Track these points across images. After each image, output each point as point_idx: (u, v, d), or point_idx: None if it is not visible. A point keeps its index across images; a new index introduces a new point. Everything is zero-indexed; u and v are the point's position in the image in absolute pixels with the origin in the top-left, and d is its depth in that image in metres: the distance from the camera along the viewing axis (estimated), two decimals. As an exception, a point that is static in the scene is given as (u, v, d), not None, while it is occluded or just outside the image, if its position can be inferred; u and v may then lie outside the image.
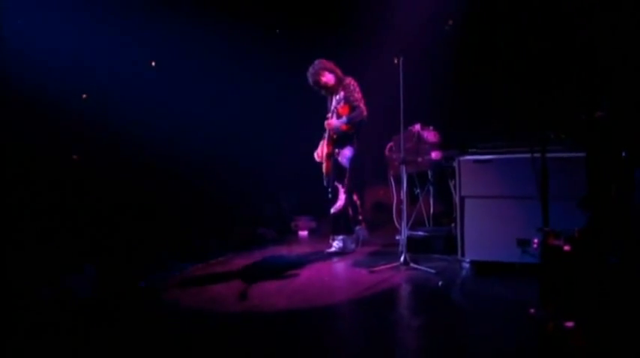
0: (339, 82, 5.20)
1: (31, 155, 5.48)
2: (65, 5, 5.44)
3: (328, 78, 5.20)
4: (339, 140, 5.22)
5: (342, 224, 5.26)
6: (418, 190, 5.41)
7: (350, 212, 5.29)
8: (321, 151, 5.39)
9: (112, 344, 3.00)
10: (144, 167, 6.32)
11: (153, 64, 6.56)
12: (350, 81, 5.16)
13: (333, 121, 5.16)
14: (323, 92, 5.35)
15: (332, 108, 5.20)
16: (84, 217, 5.73)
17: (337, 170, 5.24)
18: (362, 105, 5.08)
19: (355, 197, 5.43)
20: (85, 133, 5.98)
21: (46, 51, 5.36)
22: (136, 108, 5.87)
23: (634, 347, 2.37)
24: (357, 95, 5.10)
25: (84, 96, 5.93)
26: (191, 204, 6.45)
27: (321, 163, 5.41)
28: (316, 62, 5.23)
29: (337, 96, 5.11)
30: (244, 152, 6.79)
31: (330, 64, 5.22)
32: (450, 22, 6.08)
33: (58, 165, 5.87)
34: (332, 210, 5.26)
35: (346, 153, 5.20)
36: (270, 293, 3.91)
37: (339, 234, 5.25)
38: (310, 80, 5.25)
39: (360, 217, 5.49)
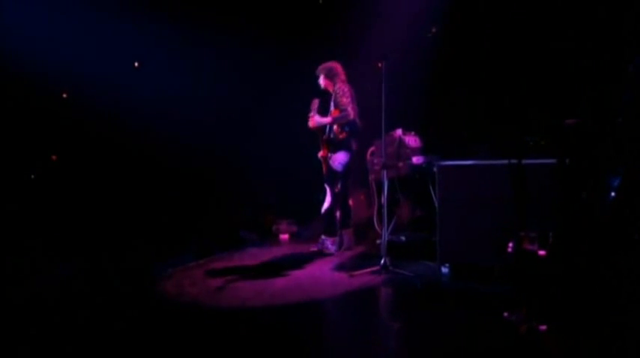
0: (333, 88, 5.34)
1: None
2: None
3: (324, 82, 5.39)
4: (331, 144, 5.33)
5: (327, 225, 5.41)
6: (399, 195, 5.43)
7: (338, 215, 5.37)
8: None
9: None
10: (127, 166, 6.30)
11: (136, 64, 6.54)
12: (340, 86, 5.27)
13: (315, 118, 5.30)
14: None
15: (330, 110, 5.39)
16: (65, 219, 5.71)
17: (329, 173, 5.36)
18: (349, 109, 5.17)
19: (351, 202, 5.50)
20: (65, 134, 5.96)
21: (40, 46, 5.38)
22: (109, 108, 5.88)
23: (606, 349, 2.40)
24: (345, 100, 5.19)
25: (64, 95, 5.90)
26: (169, 207, 6.43)
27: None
28: (327, 63, 5.38)
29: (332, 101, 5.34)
30: (225, 154, 6.77)
31: (334, 70, 5.33)
32: (434, 30, 6.14)
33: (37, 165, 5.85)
34: (322, 210, 5.43)
35: (338, 158, 5.29)
36: (249, 295, 3.89)
37: (324, 234, 5.40)
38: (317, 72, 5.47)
39: (350, 222, 5.51)
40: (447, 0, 5.77)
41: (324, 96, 5.51)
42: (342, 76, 5.33)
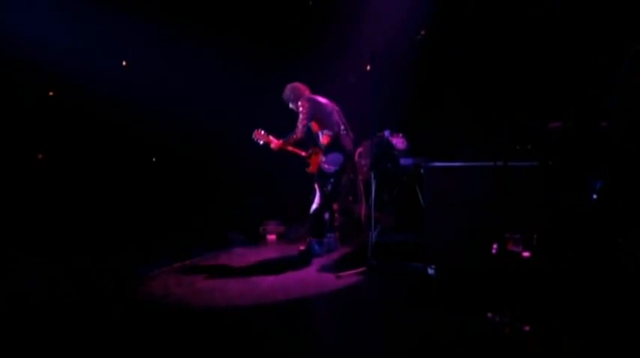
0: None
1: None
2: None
3: (293, 106, 5.33)
4: (324, 150, 5.28)
5: (313, 227, 5.32)
6: (387, 196, 5.45)
7: (326, 217, 5.33)
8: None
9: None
10: (113, 166, 6.27)
11: (124, 63, 6.52)
12: (302, 103, 5.21)
13: (274, 142, 5.35)
14: None
15: None
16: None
17: (320, 173, 5.28)
18: (299, 125, 5.16)
19: (335, 206, 5.46)
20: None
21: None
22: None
23: (588, 349, 2.43)
24: (300, 116, 5.18)
25: (50, 93, 5.86)
26: (157, 207, 6.40)
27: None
28: (287, 88, 5.32)
29: None
30: (212, 154, 6.76)
31: (296, 90, 5.28)
32: (423, 32, 6.17)
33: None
34: (310, 211, 5.33)
35: (329, 159, 5.22)
36: (236, 295, 3.89)
37: (311, 236, 5.31)
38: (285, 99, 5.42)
39: (336, 224, 5.49)
40: (436, 3, 5.81)
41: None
42: (307, 92, 5.27)
